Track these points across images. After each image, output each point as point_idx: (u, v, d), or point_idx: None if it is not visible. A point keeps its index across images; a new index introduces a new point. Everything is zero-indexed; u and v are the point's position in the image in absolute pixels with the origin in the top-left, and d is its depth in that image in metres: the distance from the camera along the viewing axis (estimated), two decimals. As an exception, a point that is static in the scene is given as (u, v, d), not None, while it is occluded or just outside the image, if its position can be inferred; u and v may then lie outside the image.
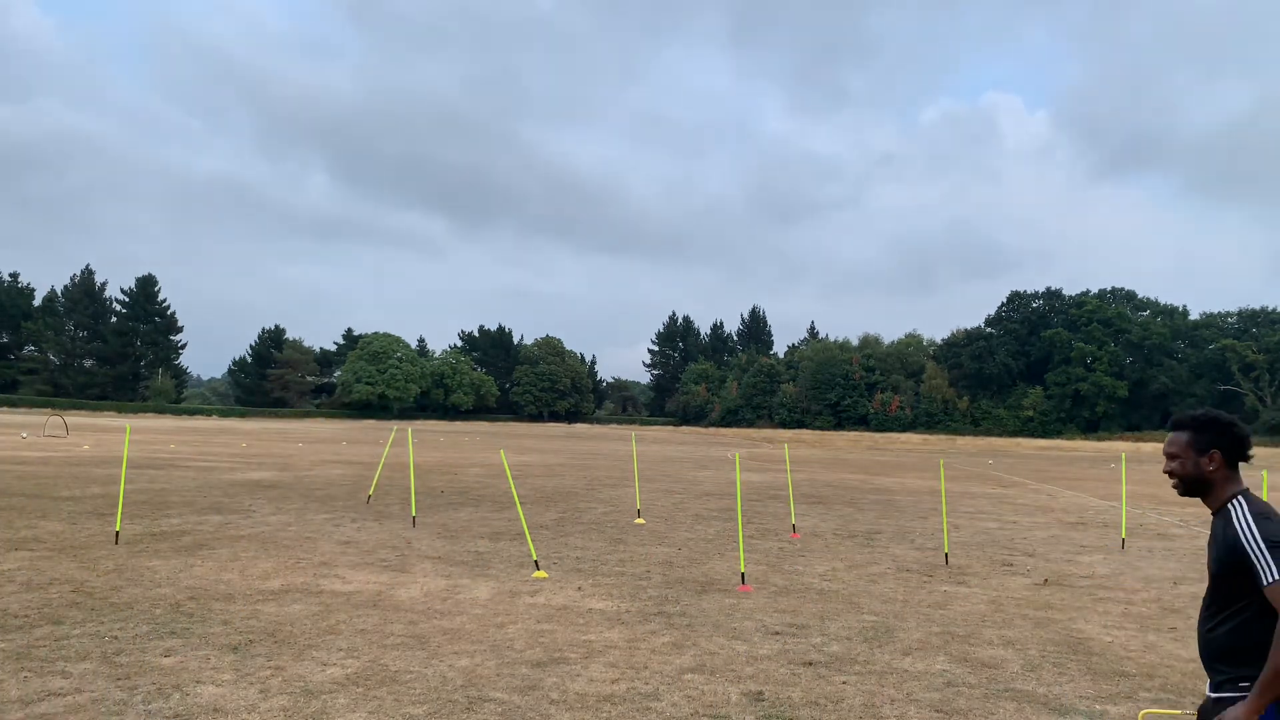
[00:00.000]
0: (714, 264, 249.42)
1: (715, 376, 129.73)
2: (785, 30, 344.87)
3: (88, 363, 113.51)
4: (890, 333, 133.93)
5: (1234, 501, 2.75)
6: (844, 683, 5.70)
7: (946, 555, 11.14)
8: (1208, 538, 2.87)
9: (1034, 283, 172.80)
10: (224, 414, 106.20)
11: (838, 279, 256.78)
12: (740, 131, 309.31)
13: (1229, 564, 2.65)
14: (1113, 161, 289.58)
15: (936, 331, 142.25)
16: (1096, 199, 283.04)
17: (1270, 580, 2.52)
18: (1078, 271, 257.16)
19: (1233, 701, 2.61)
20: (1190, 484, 2.86)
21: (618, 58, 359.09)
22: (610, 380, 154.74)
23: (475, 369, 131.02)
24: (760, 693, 5.42)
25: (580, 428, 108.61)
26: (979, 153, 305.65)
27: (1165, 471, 2.94)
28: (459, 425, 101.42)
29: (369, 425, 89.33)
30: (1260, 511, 2.69)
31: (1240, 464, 2.85)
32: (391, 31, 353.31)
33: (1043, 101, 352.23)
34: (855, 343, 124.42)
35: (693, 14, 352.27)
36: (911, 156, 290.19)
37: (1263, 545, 2.56)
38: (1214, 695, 2.70)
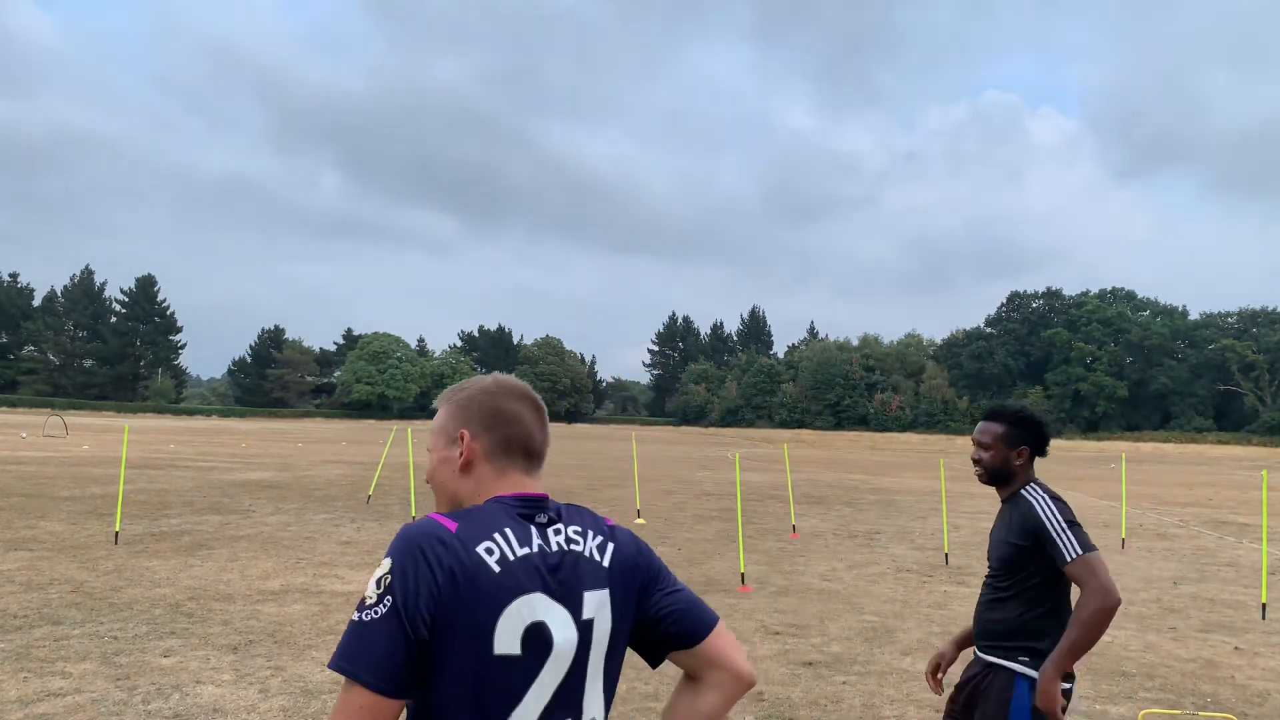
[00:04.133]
0: (725, 262, 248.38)
1: (715, 377, 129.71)
2: (811, 25, 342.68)
3: (87, 363, 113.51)
4: (891, 333, 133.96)
5: (1029, 488, 2.92)
6: (844, 683, 5.70)
7: (946, 555, 11.13)
8: (993, 524, 3.05)
9: (1050, 281, 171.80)
10: (224, 414, 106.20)
11: (852, 278, 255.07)
12: (760, 129, 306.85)
13: (1026, 547, 2.79)
14: (1137, 161, 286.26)
15: (937, 332, 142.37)
16: (1119, 198, 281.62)
17: (1072, 558, 2.65)
18: (1096, 271, 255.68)
19: (1010, 672, 2.73)
20: (995, 474, 3.01)
21: (639, 53, 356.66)
22: (610, 380, 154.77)
23: (475, 369, 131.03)
24: (760, 693, 5.42)
25: (580, 428, 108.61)
26: (1003, 151, 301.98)
27: (974, 459, 3.05)
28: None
29: (369, 425, 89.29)
30: (1054, 495, 2.87)
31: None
32: (408, 27, 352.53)
33: (1070, 98, 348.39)
34: (855, 343, 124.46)
35: (717, 9, 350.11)
36: (933, 154, 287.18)
37: (1063, 525, 2.73)
38: (996, 661, 2.80)
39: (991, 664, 2.81)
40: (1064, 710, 2.58)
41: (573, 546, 1.40)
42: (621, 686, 5.42)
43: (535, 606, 1.31)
